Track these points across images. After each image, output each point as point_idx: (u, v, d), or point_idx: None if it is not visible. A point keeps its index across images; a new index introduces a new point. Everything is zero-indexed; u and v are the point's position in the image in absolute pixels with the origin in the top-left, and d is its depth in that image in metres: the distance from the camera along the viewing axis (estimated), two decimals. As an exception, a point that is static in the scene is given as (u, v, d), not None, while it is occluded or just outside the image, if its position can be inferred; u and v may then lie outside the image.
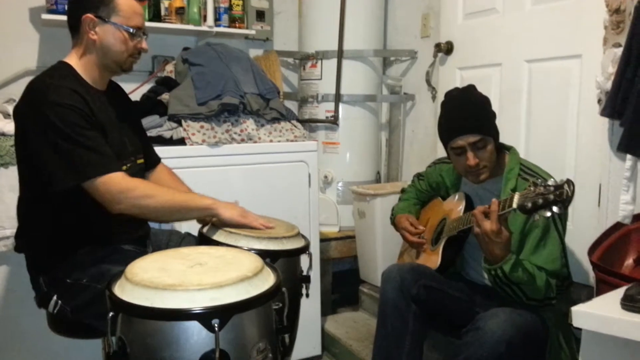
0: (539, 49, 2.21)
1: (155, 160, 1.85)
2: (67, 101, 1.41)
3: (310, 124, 3.02)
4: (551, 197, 1.38)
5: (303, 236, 1.63)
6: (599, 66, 1.89)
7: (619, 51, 1.78)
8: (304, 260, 1.63)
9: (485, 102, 1.78)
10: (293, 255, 1.55)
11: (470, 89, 1.82)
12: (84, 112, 1.43)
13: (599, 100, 1.91)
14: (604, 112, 1.83)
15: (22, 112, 1.47)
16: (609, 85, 1.81)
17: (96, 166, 1.40)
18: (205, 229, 1.59)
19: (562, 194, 1.37)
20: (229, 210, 1.53)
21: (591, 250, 1.80)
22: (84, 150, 1.40)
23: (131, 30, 1.55)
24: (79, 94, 1.45)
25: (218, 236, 1.51)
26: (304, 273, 1.63)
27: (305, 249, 1.58)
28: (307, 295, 1.62)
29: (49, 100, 1.40)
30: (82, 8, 1.51)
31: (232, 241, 1.48)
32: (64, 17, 2.22)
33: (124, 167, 1.58)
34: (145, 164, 1.77)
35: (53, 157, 1.40)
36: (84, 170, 1.40)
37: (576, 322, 1.27)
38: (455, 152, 1.74)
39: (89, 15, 1.50)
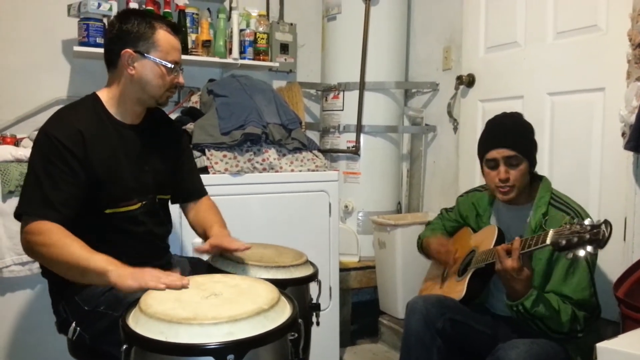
0: (561, 82, 2.21)
1: (196, 193, 1.80)
2: (56, 134, 1.42)
3: (331, 154, 3.04)
4: (587, 236, 1.38)
5: (311, 263, 1.63)
6: (622, 99, 1.88)
7: (643, 85, 1.77)
8: (313, 288, 1.62)
9: (529, 127, 1.81)
10: (301, 283, 1.54)
11: (519, 114, 1.86)
12: (67, 150, 1.42)
13: (623, 134, 1.90)
14: (628, 146, 1.82)
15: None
16: (632, 118, 1.80)
17: (32, 205, 1.40)
18: (212, 260, 1.58)
19: (598, 234, 1.36)
20: (123, 277, 1.27)
21: (617, 285, 1.76)
22: (33, 186, 1.41)
23: (169, 65, 1.54)
24: (80, 131, 1.45)
25: (226, 267, 1.50)
26: (314, 301, 1.62)
27: (313, 277, 1.57)
28: (318, 324, 1.60)
29: (43, 128, 1.46)
30: (121, 43, 1.52)
31: (240, 271, 1.47)
32: (95, 50, 2.35)
33: (139, 204, 1.57)
34: (185, 196, 1.77)
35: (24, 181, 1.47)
36: (23, 203, 1.42)
37: (601, 359, 1.24)
38: (488, 164, 1.77)
39: (128, 50, 1.51)
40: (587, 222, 1.41)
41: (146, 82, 1.53)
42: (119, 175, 1.52)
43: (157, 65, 1.53)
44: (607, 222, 1.37)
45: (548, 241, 1.46)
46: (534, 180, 1.81)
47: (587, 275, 1.61)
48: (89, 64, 2.58)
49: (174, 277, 1.28)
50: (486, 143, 1.80)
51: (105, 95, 1.56)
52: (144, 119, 1.63)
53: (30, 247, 1.38)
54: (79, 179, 1.44)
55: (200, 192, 1.81)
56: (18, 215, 1.43)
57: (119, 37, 1.53)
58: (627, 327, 1.61)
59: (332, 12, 3.02)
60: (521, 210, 1.79)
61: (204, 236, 1.68)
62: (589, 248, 1.37)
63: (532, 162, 1.78)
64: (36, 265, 1.92)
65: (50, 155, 1.41)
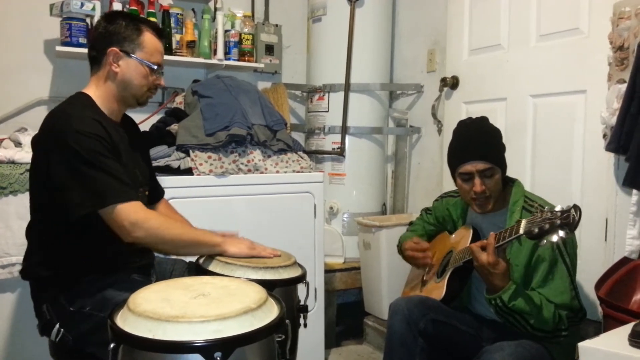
0: (543, 84, 2.23)
1: (160, 193, 1.86)
2: (90, 130, 1.43)
3: (316, 155, 3.04)
4: (558, 221, 1.39)
5: (300, 265, 1.63)
6: (603, 102, 1.91)
7: (623, 87, 1.80)
8: (301, 289, 1.62)
9: (497, 133, 1.80)
10: (290, 284, 1.54)
11: (484, 119, 1.84)
12: (106, 141, 1.46)
13: (604, 135, 1.92)
14: (609, 147, 1.84)
15: (44, 142, 1.48)
16: (613, 120, 1.82)
17: (116, 193, 1.41)
18: (201, 260, 1.58)
19: (569, 218, 1.38)
20: (236, 246, 1.55)
21: (598, 285, 1.79)
22: (106, 177, 1.41)
23: (153, 66, 1.60)
24: (100, 123, 1.48)
25: (214, 267, 1.50)
26: (302, 303, 1.61)
27: (302, 278, 1.57)
28: (305, 325, 1.60)
29: (72, 128, 1.42)
30: (107, 42, 1.56)
31: (228, 272, 1.47)
32: (78, 50, 2.33)
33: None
34: (150, 196, 1.78)
35: (74, 183, 1.41)
36: (105, 196, 1.40)
37: (583, 358, 1.25)
38: (462, 177, 1.75)
39: (114, 48, 1.55)
40: (557, 208, 1.43)
41: (129, 80, 1.58)
42: (124, 165, 1.54)
43: (141, 65, 1.58)
44: (576, 207, 1.39)
45: (521, 231, 1.48)
46: (506, 184, 1.80)
47: (567, 279, 1.62)
48: (71, 64, 2.55)
49: (269, 250, 1.60)
50: (459, 156, 1.77)
51: (92, 93, 1.59)
52: (121, 118, 1.67)
53: (146, 232, 1.43)
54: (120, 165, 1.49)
55: (162, 192, 1.89)
56: (95, 208, 1.41)
57: (106, 36, 1.57)
58: (609, 326, 1.63)
59: (318, 13, 3.02)
60: (495, 217, 1.79)
61: None
62: (561, 233, 1.39)
63: (504, 169, 1.78)
64: (17, 268, 1.89)
65: (98, 149, 1.42)
